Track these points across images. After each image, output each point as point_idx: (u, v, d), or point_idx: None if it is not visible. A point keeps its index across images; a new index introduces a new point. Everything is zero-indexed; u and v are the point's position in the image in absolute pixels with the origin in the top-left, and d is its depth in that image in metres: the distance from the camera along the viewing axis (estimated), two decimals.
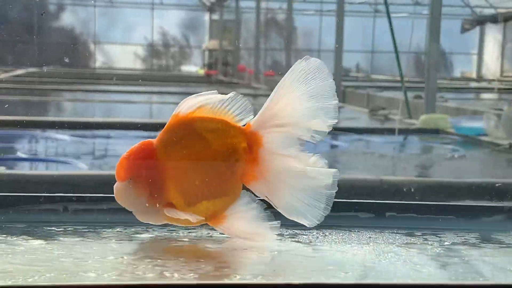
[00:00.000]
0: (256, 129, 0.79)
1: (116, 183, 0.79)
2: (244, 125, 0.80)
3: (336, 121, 0.78)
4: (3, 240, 0.78)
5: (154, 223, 0.81)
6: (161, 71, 14.76)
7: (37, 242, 0.77)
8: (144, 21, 14.74)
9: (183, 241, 0.81)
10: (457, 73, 15.94)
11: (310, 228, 0.77)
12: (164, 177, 0.78)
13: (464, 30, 14.98)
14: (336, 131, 5.61)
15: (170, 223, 0.80)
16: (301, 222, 0.77)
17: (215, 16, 15.59)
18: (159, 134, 0.79)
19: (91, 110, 7.95)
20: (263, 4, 13.39)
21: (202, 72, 14.76)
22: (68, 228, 0.82)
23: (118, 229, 0.83)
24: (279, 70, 13.52)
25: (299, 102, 0.78)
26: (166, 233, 0.83)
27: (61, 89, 9.94)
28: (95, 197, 0.86)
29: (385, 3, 7.40)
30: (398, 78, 12.75)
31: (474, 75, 15.58)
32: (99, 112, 7.69)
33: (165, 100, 8.86)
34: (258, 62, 12.67)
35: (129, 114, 7.19)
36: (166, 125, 0.79)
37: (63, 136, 4.98)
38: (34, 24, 12.55)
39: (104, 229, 0.82)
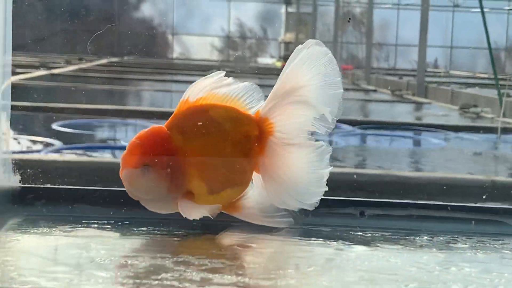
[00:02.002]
0: (266, 115, 0.78)
1: (126, 170, 0.75)
2: (254, 113, 0.79)
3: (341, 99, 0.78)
4: (321, 244, 0.79)
5: (166, 212, 0.79)
6: (238, 63, 14.83)
7: (358, 248, 0.78)
8: (221, 13, 14.83)
9: None
10: None
11: None
12: (186, 164, 0.76)
13: None
14: (431, 127, 5.52)
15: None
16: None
17: (291, 9, 15.56)
18: (169, 119, 0.78)
19: (168, 99, 8.04)
20: None
21: (279, 64, 14.77)
22: (366, 233, 0.82)
23: (426, 237, 0.82)
24: (355, 64, 13.40)
25: (307, 84, 0.77)
26: None
27: (140, 79, 10.09)
28: (390, 202, 0.86)
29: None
30: (479, 75, 12.48)
31: None
32: (176, 102, 7.77)
33: None
34: (335, 55, 12.57)
35: None
36: (175, 111, 0.78)
37: None
38: (115, 15, 12.74)
39: (413, 237, 0.82)
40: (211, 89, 0.78)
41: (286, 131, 0.78)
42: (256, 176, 0.80)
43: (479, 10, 7.55)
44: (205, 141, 0.77)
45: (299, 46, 0.77)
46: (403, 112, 7.24)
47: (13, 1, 0.85)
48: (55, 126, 4.76)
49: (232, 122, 0.78)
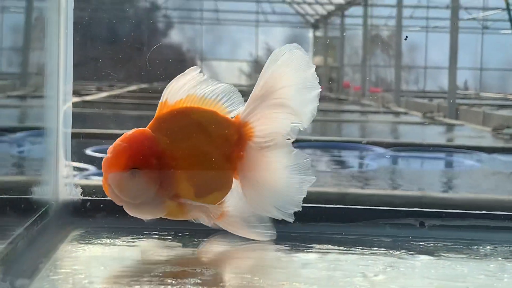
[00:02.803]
0: (246, 119, 0.77)
1: (114, 174, 0.72)
2: (233, 117, 0.78)
3: (317, 105, 0.77)
4: (384, 254, 0.78)
5: (151, 217, 0.77)
6: None
7: (422, 257, 0.77)
8: (249, 38, 14.91)
9: None
10: None
11: None
12: (175, 167, 0.75)
13: None
14: (465, 149, 5.47)
15: (167, 217, 0.77)
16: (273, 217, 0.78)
17: (319, 33, 15.61)
18: (151, 122, 0.75)
19: None
20: (367, 21, 13.29)
21: None
22: (428, 243, 0.82)
23: (489, 247, 0.82)
24: (384, 87, 13.36)
25: (285, 85, 0.76)
26: None
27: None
28: (449, 213, 0.85)
29: (510, 20, 7.18)
30: (510, 96, 12.35)
31: None
32: None
33: None
34: (364, 78, 12.56)
35: None
36: (156, 113, 0.76)
37: None
38: (145, 41, 12.89)
39: (476, 246, 0.81)
40: (189, 89, 0.76)
41: (265, 135, 0.77)
42: (235, 182, 0.79)
43: (508, 32, 7.49)
44: (191, 144, 0.76)
45: (276, 50, 0.76)
46: (435, 134, 7.19)
47: None
48: (88, 151, 4.80)
49: (214, 125, 0.77)
